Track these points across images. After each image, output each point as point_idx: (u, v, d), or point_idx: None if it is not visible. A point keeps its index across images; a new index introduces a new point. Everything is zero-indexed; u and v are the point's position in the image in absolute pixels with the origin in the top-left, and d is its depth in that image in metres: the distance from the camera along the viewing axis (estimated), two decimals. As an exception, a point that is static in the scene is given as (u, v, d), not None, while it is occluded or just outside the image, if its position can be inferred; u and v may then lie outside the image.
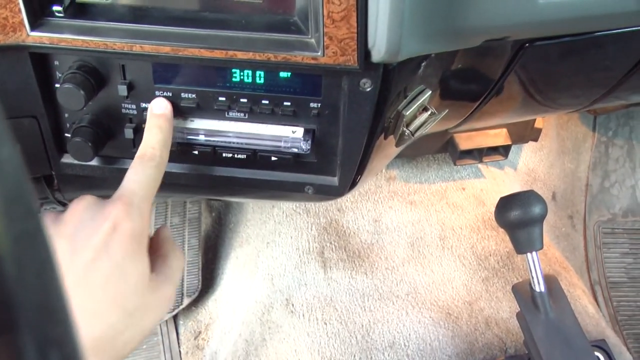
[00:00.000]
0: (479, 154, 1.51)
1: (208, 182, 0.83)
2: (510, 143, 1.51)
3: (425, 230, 1.45)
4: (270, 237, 1.45)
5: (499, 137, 1.50)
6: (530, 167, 1.77)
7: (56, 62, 0.75)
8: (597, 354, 1.18)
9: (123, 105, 0.78)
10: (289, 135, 0.77)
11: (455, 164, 1.51)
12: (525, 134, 1.55)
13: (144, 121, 0.78)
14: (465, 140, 1.48)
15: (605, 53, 0.94)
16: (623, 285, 1.76)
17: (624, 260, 1.79)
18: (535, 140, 1.58)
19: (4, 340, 0.20)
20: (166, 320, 1.53)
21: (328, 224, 1.45)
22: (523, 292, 1.15)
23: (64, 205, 0.98)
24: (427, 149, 1.52)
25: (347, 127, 0.77)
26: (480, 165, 1.64)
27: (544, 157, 1.79)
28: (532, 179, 1.75)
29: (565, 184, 1.83)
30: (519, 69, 0.92)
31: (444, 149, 1.53)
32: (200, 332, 1.53)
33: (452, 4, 0.66)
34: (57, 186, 0.89)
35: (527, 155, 1.77)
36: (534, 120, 1.54)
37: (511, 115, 1.18)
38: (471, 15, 0.68)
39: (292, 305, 1.31)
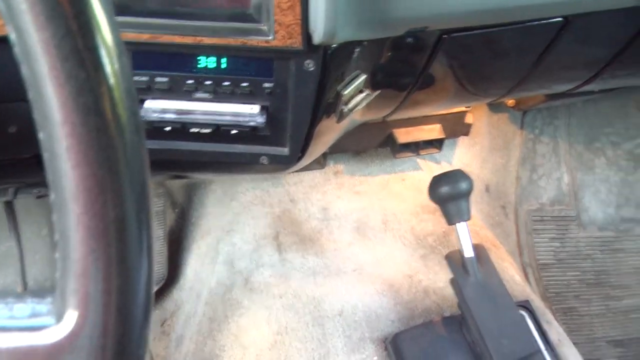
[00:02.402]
0: (416, 147, 1.68)
1: (178, 155, 0.97)
2: (444, 137, 1.68)
3: (370, 215, 1.61)
4: (229, 227, 1.59)
5: (433, 131, 1.67)
6: (464, 162, 1.94)
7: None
8: (521, 312, 1.34)
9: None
10: (247, 111, 0.92)
11: (395, 157, 1.67)
12: (457, 128, 1.72)
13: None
14: (404, 135, 1.65)
15: (515, 44, 1.11)
16: (551, 267, 1.93)
17: (552, 244, 1.97)
18: (467, 134, 1.75)
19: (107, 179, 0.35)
20: (134, 308, 1.64)
21: (282, 212, 1.60)
22: (455, 259, 1.31)
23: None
24: (370, 143, 1.68)
25: (295, 103, 0.92)
26: (419, 161, 1.80)
27: (477, 153, 1.97)
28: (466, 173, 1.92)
29: (497, 177, 2.01)
30: (441, 59, 1.08)
31: (385, 144, 1.69)
32: (166, 319, 1.65)
33: (376, -4, 0.82)
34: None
35: (462, 151, 1.95)
36: (465, 116, 1.71)
37: (441, 104, 1.34)
38: (393, 7, 0.84)
39: (251, 283, 1.45)
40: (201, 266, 1.61)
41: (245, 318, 1.40)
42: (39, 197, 1.18)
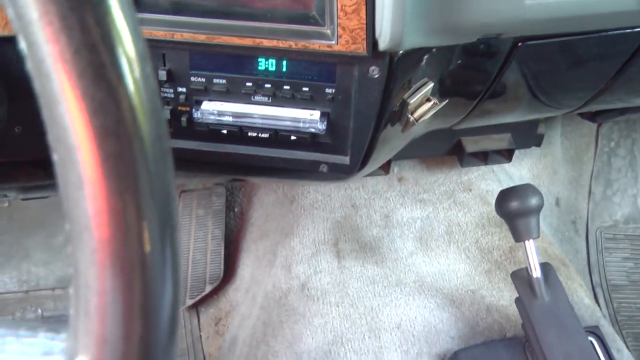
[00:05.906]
0: (484, 157, 1.61)
1: (235, 159, 0.94)
2: (514, 147, 1.61)
3: (433, 225, 1.55)
4: (288, 230, 1.56)
5: (503, 141, 1.60)
6: (534, 173, 1.86)
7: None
8: (590, 338, 1.27)
9: (162, 89, 0.89)
10: (307, 117, 0.88)
11: (462, 166, 1.61)
12: (528, 139, 1.65)
13: (180, 103, 0.90)
14: (472, 144, 1.59)
15: (594, 53, 1.04)
16: (624, 288, 1.84)
17: (625, 265, 1.87)
18: (538, 145, 1.67)
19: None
20: (188, 307, 1.63)
21: (343, 218, 1.56)
22: (521, 278, 1.25)
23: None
24: (436, 150, 1.62)
25: (357, 111, 0.88)
26: (486, 170, 1.73)
27: (548, 164, 1.89)
28: (536, 185, 1.83)
29: (568, 191, 1.92)
30: (515, 67, 1.02)
31: (452, 152, 1.63)
32: (220, 319, 1.63)
33: (448, 1, 0.77)
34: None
35: (532, 161, 1.87)
36: (537, 125, 1.64)
37: (511, 114, 1.27)
38: (465, 12, 0.79)
39: (308, 289, 1.41)
40: (258, 268, 1.59)
41: (301, 325, 1.36)
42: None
